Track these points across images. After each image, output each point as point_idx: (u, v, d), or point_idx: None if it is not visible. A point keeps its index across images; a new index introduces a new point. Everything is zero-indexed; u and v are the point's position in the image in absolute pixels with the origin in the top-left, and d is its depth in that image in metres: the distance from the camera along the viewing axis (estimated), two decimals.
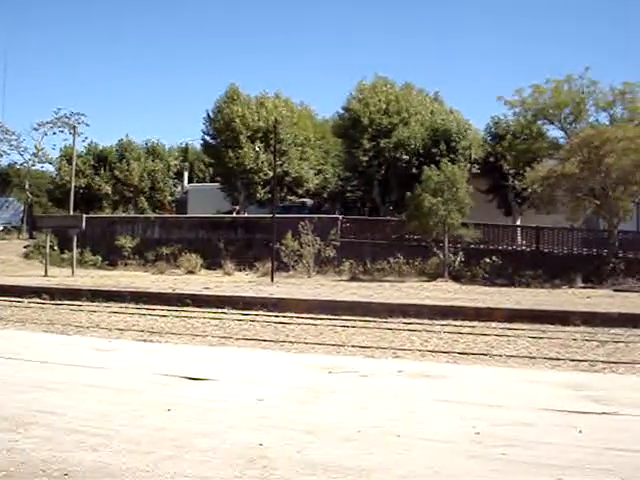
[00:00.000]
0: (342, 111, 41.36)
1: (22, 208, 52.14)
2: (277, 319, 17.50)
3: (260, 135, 41.52)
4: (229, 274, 31.96)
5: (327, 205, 43.86)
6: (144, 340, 14.14)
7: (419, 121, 39.18)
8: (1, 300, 21.38)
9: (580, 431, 6.37)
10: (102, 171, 48.55)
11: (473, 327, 16.11)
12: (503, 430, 6.36)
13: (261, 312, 18.86)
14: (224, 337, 14.70)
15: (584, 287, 26.36)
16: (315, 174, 43.64)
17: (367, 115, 38.97)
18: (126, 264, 35.65)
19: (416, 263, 30.29)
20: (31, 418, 6.54)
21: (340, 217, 35.41)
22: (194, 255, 33.80)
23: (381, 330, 15.73)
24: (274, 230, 29.68)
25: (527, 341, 14.30)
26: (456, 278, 28.97)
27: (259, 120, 41.68)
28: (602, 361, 12.00)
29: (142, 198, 49.14)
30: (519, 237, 33.17)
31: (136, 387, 8.22)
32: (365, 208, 41.99)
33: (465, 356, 12.35)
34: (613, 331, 15.72)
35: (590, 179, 28.49)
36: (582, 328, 16.02)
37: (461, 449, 5.78)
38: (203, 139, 44.90)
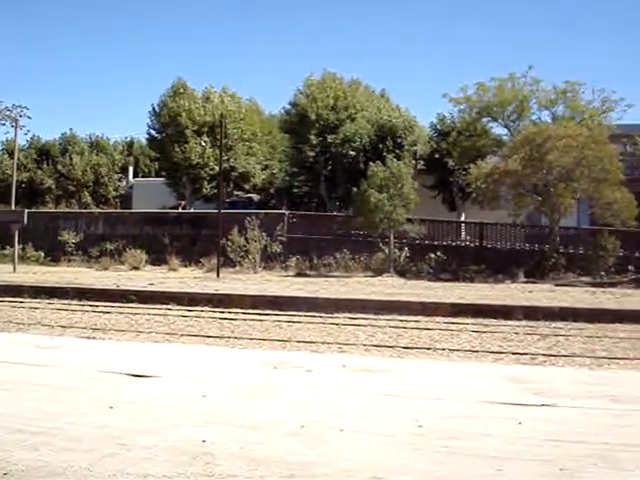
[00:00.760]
0: (289, 106, 41.38)
1: None
2: (223, 315, 17.41)
3: (206, 130, 41.28)
4: (174, 270, 31.71)
5: (274, 200, 43.84)
6: (87, 337, 13.93)
7: (366, 117, 39.41)
8: None
9: (520, 423, 6.49)
10: (45, 165, 47.71)
11: (418, 322, 16.27)
12: (445, 423, 6.44)
13: (206, 308, 18.74)
14: (169, 333, 14.57)
15: (526, 282, 26.86)
16: (262, 169, 43.58)
17: (314, 111, 39.05)
18: (69, 260, 35.09)
19: (362, 258, 30.48)
20: None
21: (287, 213, 35.41)
22: (139, 251, 33.45)
23: (327, 325, 15.79)
24: (220, 226, 29.53)
25: (470, 335, 14.51)
26: (401, 273, 29.23)
27: (205, 115, 41.41)
28: (543, 354, 12.25)
29: (86, 193, 48.41)
30: (463, 232, 33.64)
31: (79, 385, 8.09)
32: (312, 204, 42.10)
33: (409, 350, 12.47)
34: (554, 325, 16.05)
35: (532, 176, 29.04)
36: (524, 322, 16.32)
37: (404, 442, 5.84)
38: (148, 133, 44.46)
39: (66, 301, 20.41)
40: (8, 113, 47.05)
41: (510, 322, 16.24)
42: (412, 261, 30.11)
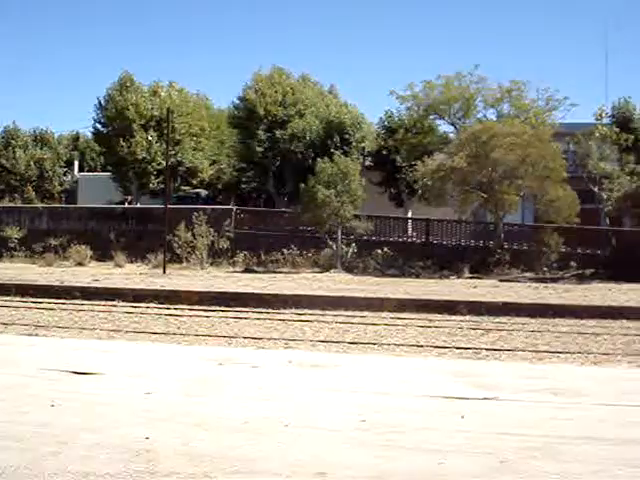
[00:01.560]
0: (238, 101, 41.15)
1: None
2: (168, 311, 17.28)
3: (153, 124, 40.79)
4: (120, 266, 31.32)
5: (222, 196, 43.55)
6: (29, 334, 13.70)
7: (314, 113, 39.41)
8: None
9: (463, 416, 6.59)
10: None
11: (364, 317, 16.38)
12: (389, 417, 6.51)
13: (152, 304, 18.55)
14: (113, 330, 14.42)
15: (471, 277, 27.24)
16: (210, 164, 43.27)
17: (263, 106, 38.90)
18: (12, 256, 34.36)
19: (310, 254, 30.53)
20: None
21: (234, 208, 35.25)
22: (84, 246, 32.92)
23: (273, 321, 15.80)
24: (166, 221, 29.27)
25: (415, 330, 14.67)
26: (349, 269, 29.37)
27: (152, 109, 40.92)
28: (486, 349, 12.46)
29: (29, 187, 47.46)
30: (410, 229, 33.93)
31: (20, 382, 7.94)
32: (260, 199, 41.99)
33: (355, 345, 12.57)
34: (497, 319, 16.32)
35: (478, 173, 29.43)
36: (468, 317, 16.57)
37: (347, 437, 5.88)
38: (94, 127, 43.65)
39: (8, 298, 19.97)
40: None
41: (455, 317, 16.47)
42: (359, 257, 30.26)
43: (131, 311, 17.38)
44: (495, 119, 35.21)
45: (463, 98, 35.86)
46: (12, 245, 34.77)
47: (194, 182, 43.07)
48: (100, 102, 42.43)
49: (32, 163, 47.74)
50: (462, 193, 29.99)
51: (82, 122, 70.40)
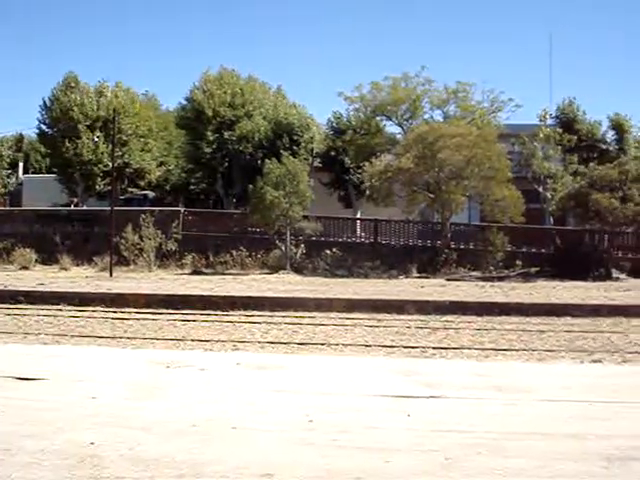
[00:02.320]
0: (185, 102, 40.84)
1: None
2: (115, 315, 17.01)
3: (100, 125, 40.24)
4: (66, 269, 30.81)
5: (170, 198, 43.17)
6: None
7: (263, 114, 39.35)
8: None
9: (409, 415, 6.67)
10: None
11: (313, 318, 16.39)
12: (336, 417, 6.55)
13: (99, 308, 18.26)
14: (58, 335, 14.16)
15: (419, 277, 27.51)
16: (157, 166, 42.85)
17: (211, 107, 38.69)
18: None
19: (259, 256, 30.46)
20: None
21: (182, 210, 34.98)
22: (29, 250, 32.29)
23: (222, 323, 15.71)
24: (112, 223, 28.93)
25: (364, 330, 14.75)
26: (298, 270, 29.39)
27: (99, 109, 40.37)
28: (433, 347, 12.59)
29: None
30: (359, 229, 34.07)
31: None
32: (209, 201, 41.73)
33: (304, 346, 12.58)
34: (445, 318, 16.51)
35: (425, 173, 29.73)
36: (416, 316, 16.70)
37: (295, 437, 5.91)
38: (39, 128, 42.87)
39: None
40: None
41: (403, 316, 16.60)
42: (308, 258, 30.31)
43: (77, 315, 17.08)
44: (442, 120, 35.59)
45: (410, 99, 36.17)
46: None
47: (142, 184, 42.60)
48: (45, 103, 41.72)
49: None
50: (409, 193, 30.25)
51: (26, 123, 69.30)
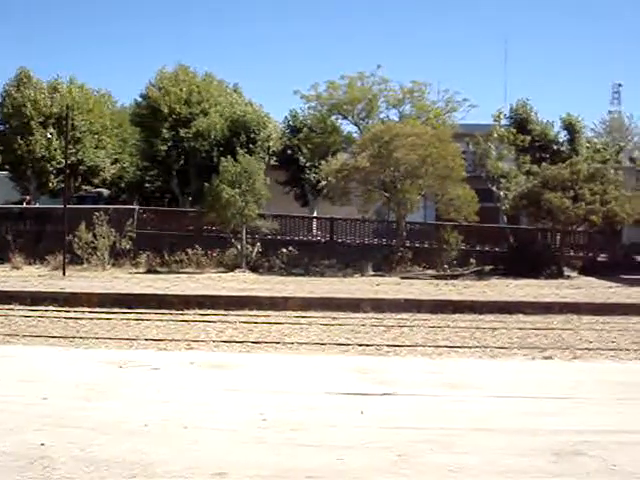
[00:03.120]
0: (141, 99, 40.41)
1: None
2: (68, 314, 16.79)
3: (53, 121, 39.58)
4: (18, 268, 30.27)
5: (125, 195, 42.68)
6: None
7: (219, 112, 39.11)
8: None
9: (363, 412, 6.72)
10: None
11: (268, 316, 16.40)
12: (290, 415, 6.57)
13: (51, 307, 17.97)
14: (9, 335, 13.93)
15: (374, 275, 27.64)
16: (112, 163, 42.33)
17: (167, 104, 38.33)
18: None
19: (215, 254, 30.28)
20: None
21: (137, 208, 34.60)
22: None
23: (176, 322, 15.63)
24: (65, 221, 28.52)
25: (319, 328, 14.81)
26: (254, 268, 29.31)
27: (52, 106, 39.73)
28: (388, 345, 12.70)
29: None
30: (315, 228, 34.09)
31: None
32: (164, 199, 41.35)
33: (259, 345, 12.59)
34: (399, 316, 16.65)
35: (380, 172, 29.86)
36: (371, 314, 16.82)
37: (248, 436, 5.91)
38: None
39: None
40: None
41: (358, 315, 16.69)
42: (265, 256, 30.23)
43: (28, 315, 16.80)
44: (397, 120, 35.79)
45: (366, 98, 36.30)
46: None
47: (96, 181, 42.05)
48: None
49: None
50: (365, 192, 30.36)
51: None
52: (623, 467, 5.21)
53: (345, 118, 37.28)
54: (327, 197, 33.40)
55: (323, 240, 32.66)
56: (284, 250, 30.15)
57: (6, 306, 18.20)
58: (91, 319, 16.11)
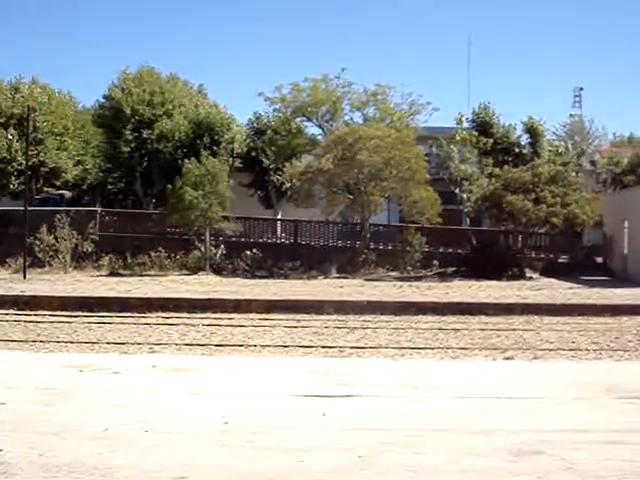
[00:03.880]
0: (103, 100, 40.02)
1: None
2: (28, 317, 16.59)
3: (14, 122, 39.03)
4: None
5: (87, 198, 42.27)
6: None
7: (183, 113, 38.89)
8: None
9: (324, 414, 6.73)
10: None
11: (231, 319, 16.35)
12: (251, 418, 6.57)
13: (11, 311, 17.73)
14: None
15: (339, 277, 27.73)
16: (74, 165, 41.84)
17: (130, 105, 38.01)
18: None
19: (178, 257, 30.13)
20: None
21: (99, 210, 34.31)
22: None
23: (138, 325, 15.51)
24: (26, 224, 28.16)
25: (283, 330, 14.80)
26: (217, 271, 29.22)
27: (13, 106, 39.20)
28: (351, 347, 12.74)
29: None
30: (279, 230, 34.10)
31: None
32: (127, 201, 41.02)
33: (222, 348, 12.55)
34: (363, 318, 16.72)
35: (344, 175, 29.94)
36: (335, 316, 16.87)
37: (209, 439, 5.89)
38: None
39: None
40: None
41: (322, 317, 16.73)
42: (228, 259, 30.16)
43: None
44: (361, 122, 35.91)
45: (330, 101, 36.35)
46: None
47: (58, 183, 41.53)
48: None
49: None
50: (329, 194, 30.43)
51: None
52: (582, 466, 5.29)
53: (309, 120, 37.30)
54: (291, 199, 33.42)
55: (287, 242, 32.67)
56: (248, 252, 30.11)
57: None
58: (52, 322, 15.93)
